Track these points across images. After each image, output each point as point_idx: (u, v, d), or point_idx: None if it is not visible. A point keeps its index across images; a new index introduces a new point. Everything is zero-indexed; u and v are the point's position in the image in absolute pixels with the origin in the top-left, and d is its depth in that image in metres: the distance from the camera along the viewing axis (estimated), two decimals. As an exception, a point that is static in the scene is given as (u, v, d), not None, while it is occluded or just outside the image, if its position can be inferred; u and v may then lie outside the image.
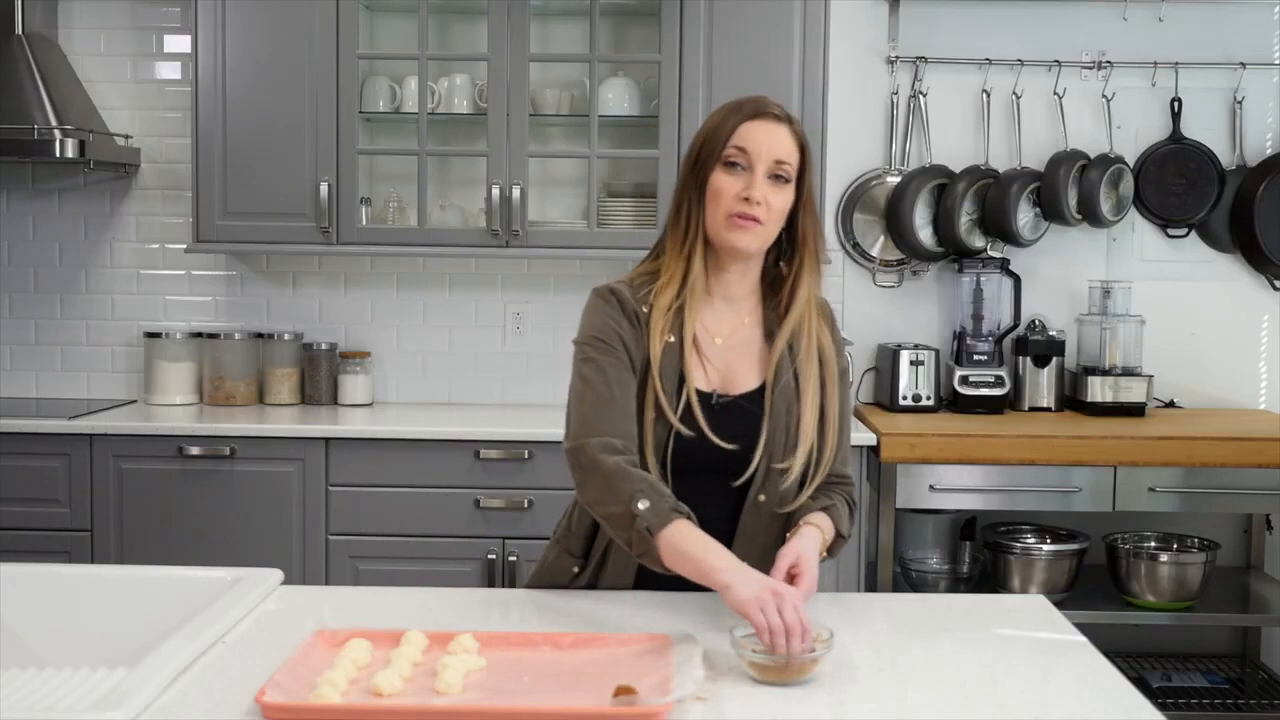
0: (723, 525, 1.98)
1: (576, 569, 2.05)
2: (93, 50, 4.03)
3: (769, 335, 2.05)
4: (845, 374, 2.11)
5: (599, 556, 2.03)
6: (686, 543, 1.80)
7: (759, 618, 1.65)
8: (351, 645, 1.62)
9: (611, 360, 1.96)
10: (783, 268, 2.07)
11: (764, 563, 1.97)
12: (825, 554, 1.96)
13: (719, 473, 1.98)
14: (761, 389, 2.01)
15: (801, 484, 2.02)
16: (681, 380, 1.97)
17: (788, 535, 1.95)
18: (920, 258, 3.99)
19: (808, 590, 1.82)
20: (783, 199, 1.97)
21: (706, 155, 1.98)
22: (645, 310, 2.00)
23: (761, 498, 1.99)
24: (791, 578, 1.83)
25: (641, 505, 1.82)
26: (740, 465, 1.98)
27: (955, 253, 3.95)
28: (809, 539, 1.91)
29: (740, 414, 1.99)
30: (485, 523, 3.54)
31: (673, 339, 1.99)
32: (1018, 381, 3.90)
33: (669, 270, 2.01)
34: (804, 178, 2.00)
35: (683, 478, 1.96)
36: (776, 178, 1.96)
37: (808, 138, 2.02)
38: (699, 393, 1.98)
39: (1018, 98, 3.97)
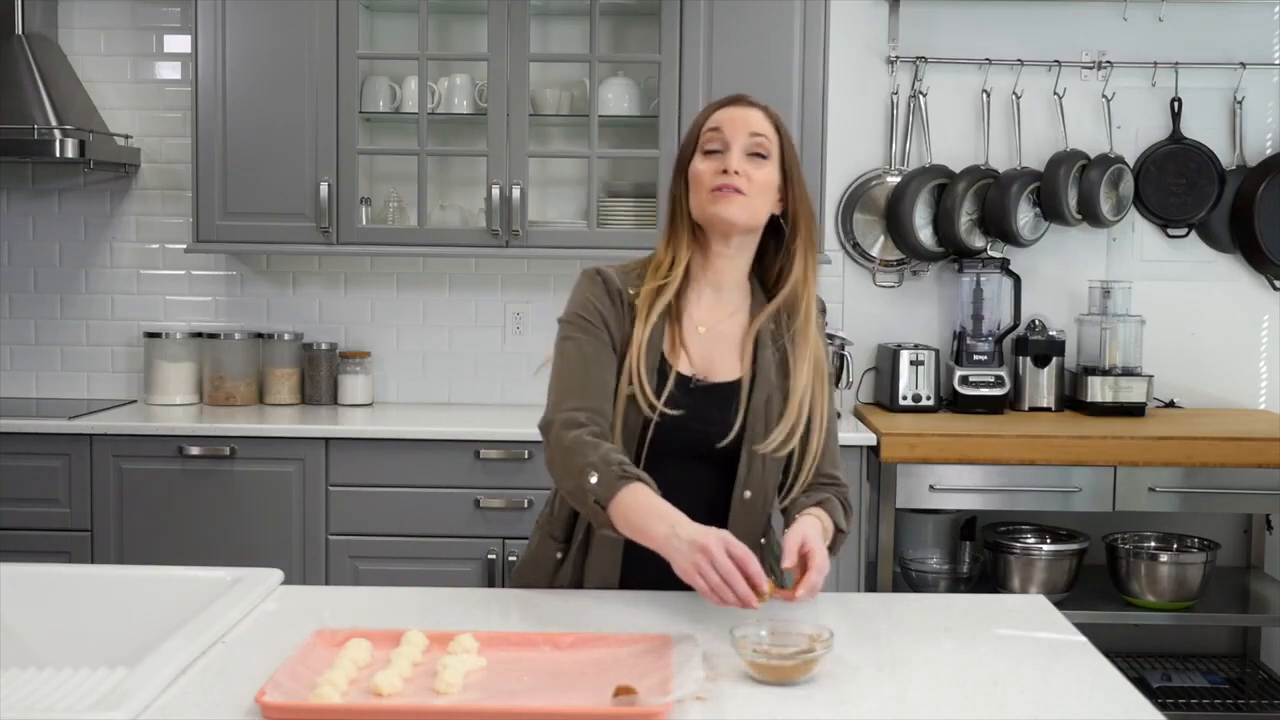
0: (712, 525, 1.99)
1: (559, 554, 2.06)
2: (93, 50, 4.03)
3: (755, 334, 2.06)
4: (832, 377, 2.13)
5: (581, 540, 2.04)
6: (632, 512, 1.83)
7: (699, 583, 1.71)
8: (351, 645, 1.62)
9: (590, 338, 1.99)
10: (773, 250, 2.08)
11: None
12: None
13: (701, 460, 1.99)
14: (740, 381, 2.02)
15: (786, 477, 2.03)
16: (662, 363, 1.99)
17: (788, 524, 1.96)
18: (920, 258, 3.99)
19: (821, 567, 1.82)
20: (764, 174, 2.00)
21: (687, 149, 2.04)
22: (631, 293, 2.02)
23: (747, 494, 2.00)
24: (803, 559, 1.83)
25: (592, 479, 1.84)
26: (720, 450, 1.99)
27: (955, 253, 3.96)
28: (810, 524, 1.91)
29: (718, 400, 2.00)
30: (485, 523, 3.54)
31: (656, 321, 2.00)
32: (1018, 381, 3.90)
33: (659, 257, 2.05)
34: (786, 158, 2.03)
35: (665, 465, 1.96)
36: (755, 155, 1.99)
37: (785, 125, 2.06)
38: (679, 375, 1.99)
39: (1018, 98, 3.97)
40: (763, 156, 2.00)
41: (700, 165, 2.00)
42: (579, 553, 2.04)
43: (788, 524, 2.00)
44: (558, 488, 1.98)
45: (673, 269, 2.03)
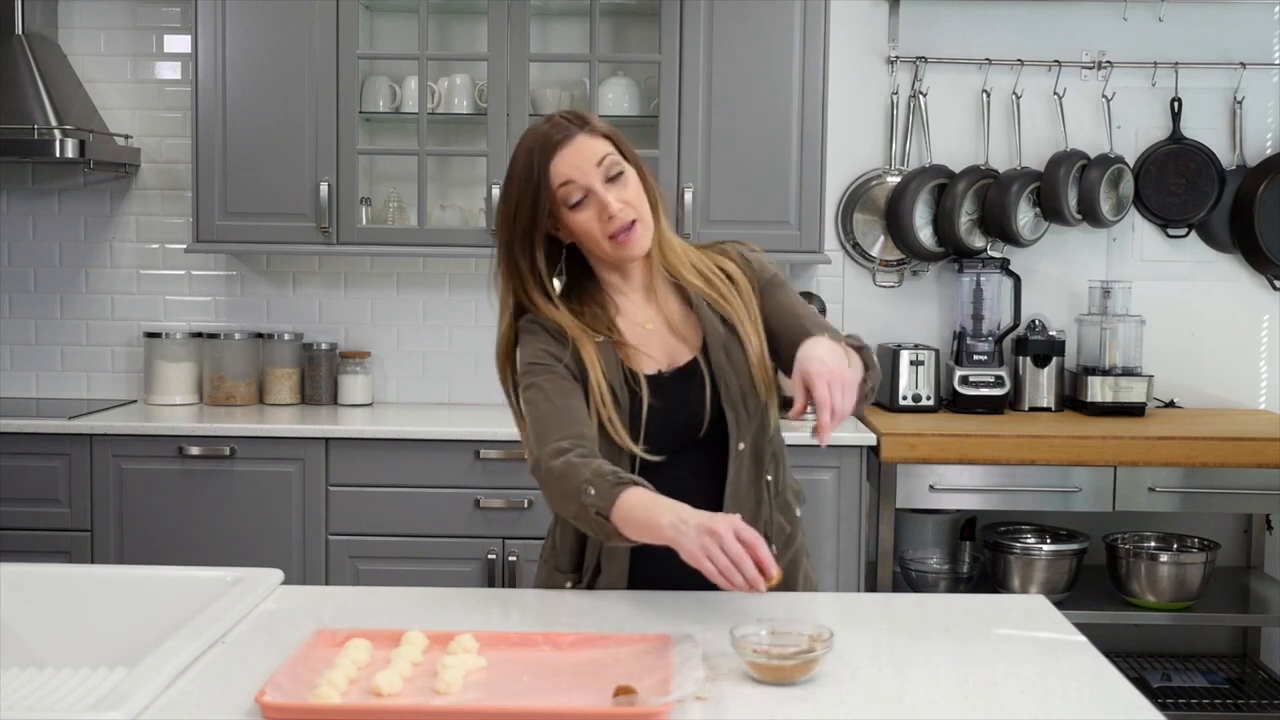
0: (712, 489, 2.00)
1: (569, 584, 2.06)
2: (93, 50, 4.03)
3: (687, 304, 2.08)
4: (776, 279, 2.11)
5: (592, 570, 2.04)
6: (636, 512, 1.81)
7: (706, 565, 1.70)
8: (351, 645, 1.62)
9: (548, 376, 1.98)
10: None
11: (755, 523, 2.00)
12: (866, 380, 1.92)
13: (696, 440, 2.00)
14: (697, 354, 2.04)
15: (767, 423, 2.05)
16: (629, 380, 1.99)
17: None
18: (920, 258, 3.99)
19: (827, 378, 1.80)
20: (633, 187, 1.98)
21: (537, 209, 1.96)
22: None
23: (741, 446, 2.01)
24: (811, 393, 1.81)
25: (591, 493, 1.83)
26: (706, 423, 2.00)
27: (955, 253, 3.96)
28: (808, 343, 1.87)
29: (692, 379, 2.02)
30: (485, 523, 3.54)
31: (601, 339, 2.01)
32: (1018, 381, 3.90)
33: (554, 318, 2.01)
34: (627, 155, 2.01)
35: (668, 460, 1.98)
36: (612, 178, 1.96)
37: (605, 124, 2.02)
38: (649, 377, 2.00)
39: (1018, 98, 3.97)
40: (620, 173, 1.97)
41: (579, 219, 1.96)
42: (589, 581, 2.04)
43: (771, 480, 2.01)
44: (560, 516, 1.97)
45: (576, 314, 2.02)
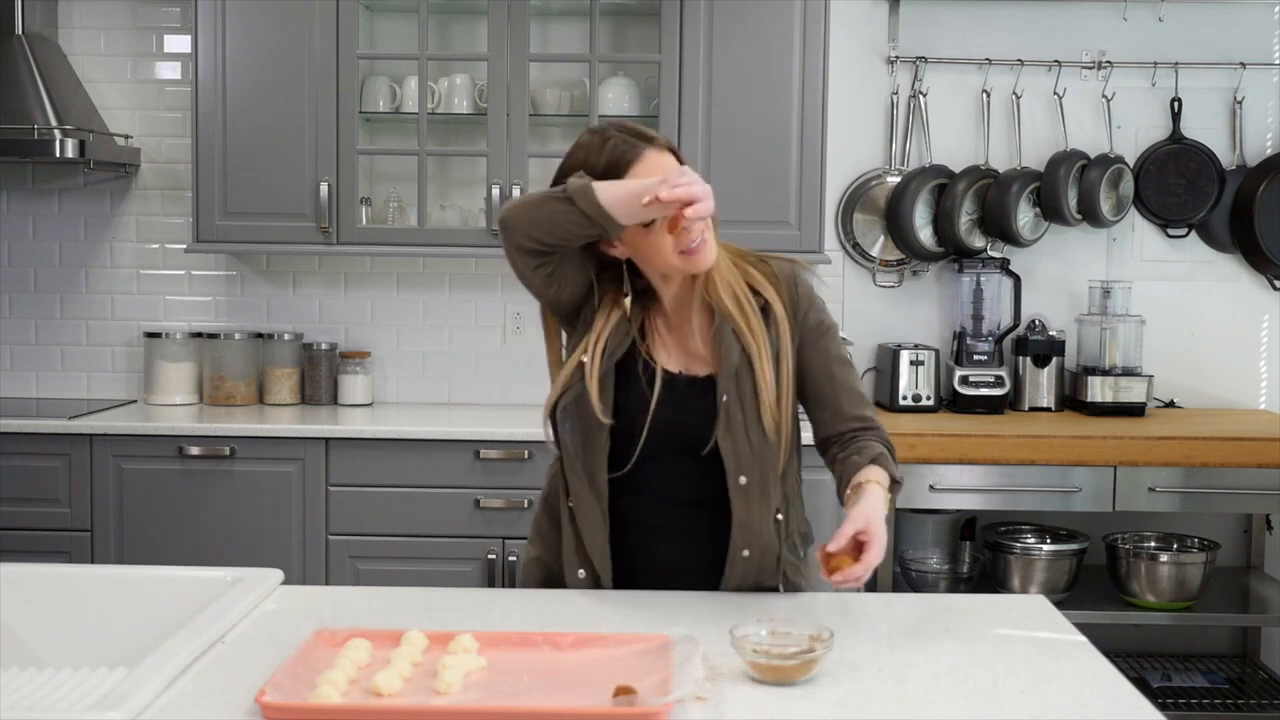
0: (720, 519, 1.99)
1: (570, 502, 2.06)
2: (93, 50, 4.03)
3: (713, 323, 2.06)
4: (821, 326, 2.06)
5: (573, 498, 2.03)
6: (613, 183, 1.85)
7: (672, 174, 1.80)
8: (351, 645, 1.62)
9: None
10: None
11: (767, 557, 2.00)
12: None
13: (698, 457, 1.98)
14: (713, 375, 2.01)
15: (785, 457, 2.01)
16: (644, 359, 1.99)
17: (847, 494, 1.92)
18: (920, 258, 3.99)
19: (878, 553, 1.78)
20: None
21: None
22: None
23: (742, 480, 1.98)
24: (859, 545, 1.79)
25: (569, 182, 1.86)
26: (709, 445, 1.98)
27: (955, 253, 3.96)
28: (875, 499, 1.86)
29: (699, 392, 2.00)
30: (485, 523, 3.54)
31: (620, 315, 2.00)
32: (1018, 381, 3.90)
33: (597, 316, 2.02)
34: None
35: (663, 464, 1.98)
36: None
37: (664, 138, 2.01)
38: (665, 372, 1.99)
39: (1018, 98, 3.98)
40: None
41: (646, 235, 1.93)
42: (569, 520, 2.03)
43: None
44: (530, 236, 1.89)
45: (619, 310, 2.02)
